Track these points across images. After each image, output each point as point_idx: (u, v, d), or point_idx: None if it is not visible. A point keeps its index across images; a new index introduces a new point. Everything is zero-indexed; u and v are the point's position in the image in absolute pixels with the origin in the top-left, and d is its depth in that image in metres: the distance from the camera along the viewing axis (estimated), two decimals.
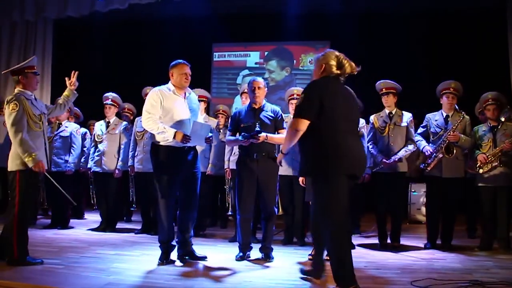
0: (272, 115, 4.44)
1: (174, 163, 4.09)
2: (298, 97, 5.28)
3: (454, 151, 4.87)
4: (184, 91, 4.25)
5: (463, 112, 5.01)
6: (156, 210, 4.23)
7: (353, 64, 3.36)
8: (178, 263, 4.14)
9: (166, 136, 4.00)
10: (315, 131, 3.18)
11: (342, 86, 3.38)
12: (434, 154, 4.97)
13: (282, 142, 4.50)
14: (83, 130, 6.67)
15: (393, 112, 5.16)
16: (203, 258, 4.28)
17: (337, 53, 3.37)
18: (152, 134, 4.21)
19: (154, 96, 4.12)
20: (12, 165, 3.96)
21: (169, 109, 4.11)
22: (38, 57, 8.34)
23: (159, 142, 4.12)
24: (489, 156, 4.90)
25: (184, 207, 4.25)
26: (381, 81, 5.21)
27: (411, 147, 5.07)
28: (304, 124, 3.17)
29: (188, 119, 4.16)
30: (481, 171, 4.94)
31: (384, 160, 4.97)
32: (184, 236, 4.26)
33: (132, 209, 6.56)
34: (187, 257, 4.25)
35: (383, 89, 5.18)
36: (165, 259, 4.12)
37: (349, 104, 3.32)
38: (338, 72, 3.32)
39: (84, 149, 6.55)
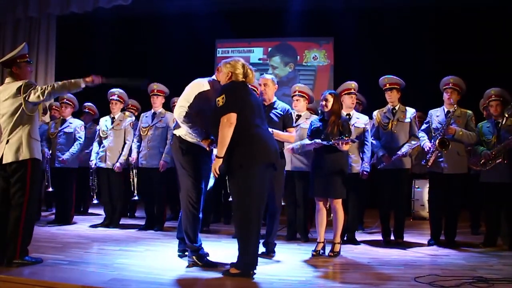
0: (281, 113, 4.44)
1: (199, 157, 3.96)
2: (299, 93, 5.29)
3: (450, 145, 4.81)
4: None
5: (455, 105, 4.98)
6: (182, 206, 3.98)
7: (254, 74, 3.78)
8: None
9: (196, 136, 3.84)
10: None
11: (250, 90, 3.75)
12: (432, 149, 4.95)
13: (288, 140, 4.54)
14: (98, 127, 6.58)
15: (397, 108, 5.14)
16: (205, 254, 4.26)
17: (243, 62, 3.75)
18: (176, 128, 4.09)
19: (204, 86, 3.92)
20: (26, 153, 3.78)
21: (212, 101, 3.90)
22: (41, 54, 8.37)
23: (184, 135, 3.95)
24: (493, 153, 4.88)
25: None
26: (385, 76, 5.19)
27: (414, 142, 5.06)
28: (234, 117, 3.47)
29: None
30: (486, 167, 4.92)
31: (386, 156, 4.96)
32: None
33: (134, 198, 6.36)
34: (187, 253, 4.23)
35: (387, 85, 5.15)
36: (204, 259, 3.95)
37: (258, 104, 3.72)
38: (244, 80, 3.70)
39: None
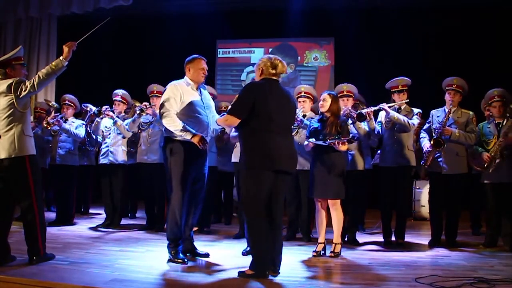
0: None
1: (188, 158, 4.05)
2: (306, 95, 5.29)
3: (445, 145, 4.81)
4: (199, 87, 4.23)
5: (451, 106, 4.97)
6: (168, 206, 4.16)
7: (284, 64, 3.75)
8: (201, 261, 4.17)
9: (184, 136, 3.95)
10: (248, 128, 3.59)
11: (278, 88, 3.71)
12: (429, 149, 4.95)
13: None
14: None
15: (402, 107, 5.12)
16: (205, 255, 4.27)
17: (271, 56, 3.76)
18: (165, 129, 4.16)
19: (174, 90, 4.08)
20: (20, 150, 3.78)
21: (187, 104, 4.07)
22: (42, 54, 8.39)
23: (174, 136, 4.05)
24: (492, 153, 4.89)
25: (189, 204, 4.23)
26: (399, 78, 5.11)
27: (409, 120, 4.94)
28: (235, 121, 3.59)
29: (205, 115, 4.16)
30: (490, 169, 4.89)
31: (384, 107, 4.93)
32: (186, 232, 4.25)
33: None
34: (188, 254, 4.25)
35: (399, 86, 5.10)
36: (177, 257, 4.06)
37: (282, 108, 3.66)
38: (274, 72, 3.69)
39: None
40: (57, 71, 3.83)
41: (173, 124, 3.97)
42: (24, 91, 3.78)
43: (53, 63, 3.85)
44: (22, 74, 4.00)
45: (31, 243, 3.79)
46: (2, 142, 3.77)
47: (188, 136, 3.93)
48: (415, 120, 5.01)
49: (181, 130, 3.94)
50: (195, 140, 3.92)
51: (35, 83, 3.78)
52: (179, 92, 4.07)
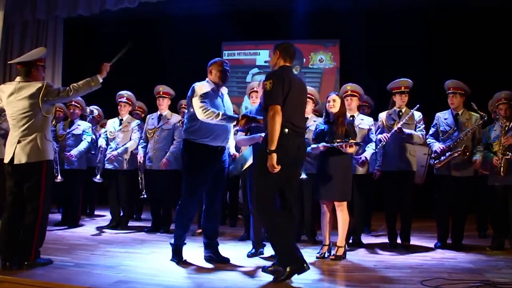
0: None
1: (207, 161, 4.04)
2: (310, 96, 5.27)
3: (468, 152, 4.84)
4: (220, 90, 4.24)
5: (478, 113, 4.96)
6: (178, 206, 4.12)
7: None
8: (205, 263, 4.15)
9: (228, 122, 3.96)
10: None
11: None
12: (449, 152, 4.91)
13: None
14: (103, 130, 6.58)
15: (403, 110, 5.11)
16: (227, 260, 4.22)
17: None
18: (184, 131, 4.16)
19: (205, 86, 4.10)
20: (41, 155, 3.80)
21: (211, 105, 4.06)
22: (48, 56, 8.39)
23: (194, 139, 4.05)
24: (498, 156, 4.86)
25: (209, 205, 4.21)
26: (401, 79, 5.12)
27: (421, 133, 5.01)
28: None
29: None
30: (502, 172, 4.83)
31: (386, 134, 4.96)
32: (210, 237, 4.24)
33: (143, 197, 6.34)
34: (211, 256, 4.23)
35: (402, 87, 5.10)
36: (179, 258, 4.10)
37: None
38: None
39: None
40: (93, 88, 4.00)
41: (214, 115, 3.91)
42: (56, 96, 3.85)
43: (92, 81, 3.99)
44: (42, 75, 4.03)
45: (23, 245, 3.72)
46: (22, 146, 3.77)
47: (233, 122, 3.96)
48: (423, 130, 5.05)
49: (223, 119, 3.92)
50: (242, 123, 3.93)
51: (69, 92, 3.87)
52: (208, 89, 4.09)
